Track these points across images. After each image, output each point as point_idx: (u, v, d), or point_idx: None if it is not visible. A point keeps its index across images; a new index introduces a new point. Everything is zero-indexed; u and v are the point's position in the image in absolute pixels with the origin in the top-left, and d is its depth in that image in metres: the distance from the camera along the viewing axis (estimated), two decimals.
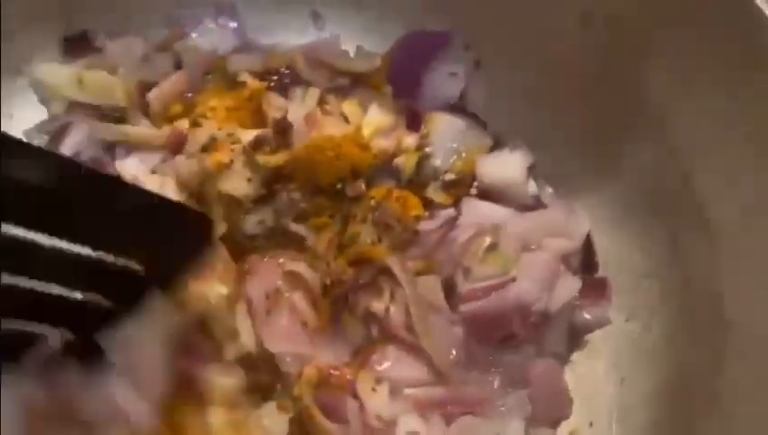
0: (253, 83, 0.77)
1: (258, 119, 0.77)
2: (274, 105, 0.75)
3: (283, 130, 0.74)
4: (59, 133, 0.76)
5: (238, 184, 0.69)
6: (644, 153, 0.75)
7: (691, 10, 0.65)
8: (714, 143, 0.68)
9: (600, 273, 0.77)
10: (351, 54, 0.85)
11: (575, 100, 0.79)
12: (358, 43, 0.86)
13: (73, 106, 0.78)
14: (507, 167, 0.79)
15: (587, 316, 0.75)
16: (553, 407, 0.70)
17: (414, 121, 0.81)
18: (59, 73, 0.77)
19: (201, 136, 0.73)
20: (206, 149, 0.72)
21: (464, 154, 0.79)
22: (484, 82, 0.84)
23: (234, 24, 0.87)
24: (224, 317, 0.63)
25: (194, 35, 0.84)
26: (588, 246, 0.78)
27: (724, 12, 0.62)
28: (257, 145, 0.72)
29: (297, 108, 0.76)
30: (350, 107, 0.79)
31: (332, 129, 0.75)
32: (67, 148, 0.76)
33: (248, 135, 0.72)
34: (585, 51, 0.76)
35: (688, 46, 0.67)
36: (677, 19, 0.67)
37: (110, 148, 0.78)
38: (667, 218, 0.73)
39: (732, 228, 0.67)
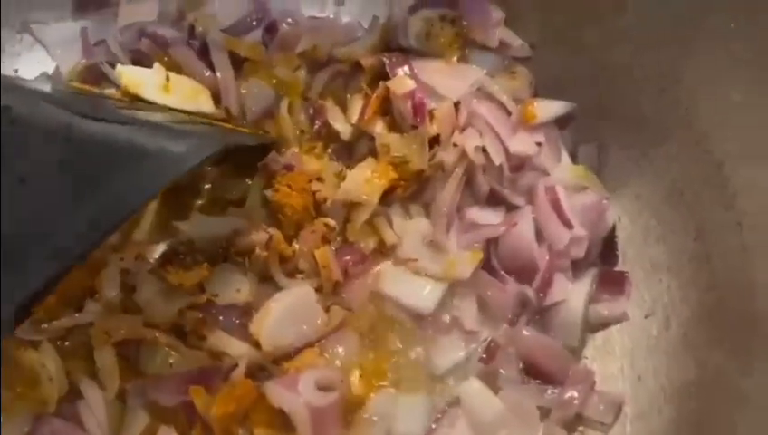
0: None
1: None
2: None
3: None
4: None
5: None
6: (673, 142, 0.71)
7: None
8: (748, 130, 0.63)
9: (619, 266, 0.72)
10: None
11: (608, 87, 0.77)
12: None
13: None
14: None
15: (603, 311, 0.70)
16: None
17: None
18: None
19: None
20: None
21: None
22: None
23: None
24: None
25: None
26: (610, 238, 0.74)
27: None
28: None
29: None
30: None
31: None
32: None
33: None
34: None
35: (725, 34, 0.63)
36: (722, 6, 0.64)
37: None
38: (693, 209, 0.68)
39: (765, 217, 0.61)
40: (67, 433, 0.61)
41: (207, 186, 0.79)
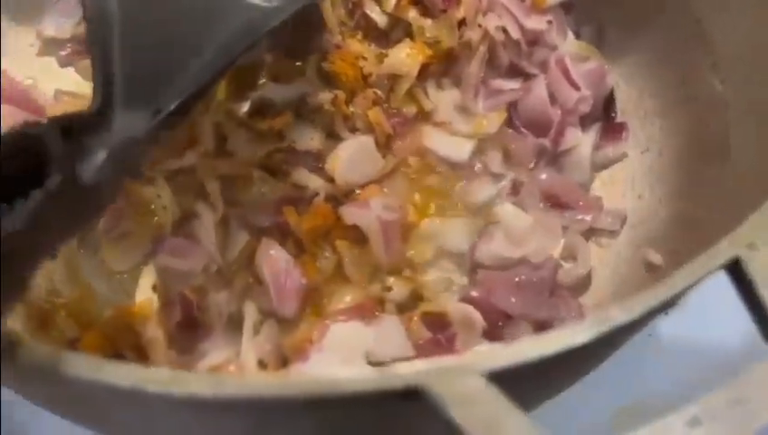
0: None
1: None
2: None
3: None
4: None
5: None
6: (662, 14, 0.85)
7: None
8: None
9: (619, 119, 0.88)
10: None
11: None
12: None
13: None
14: None
15: (608, 153, 0.86)
16: None
17: None
18: None
19: None
20: None
21: None
22: None
23: None
24: None
25: None
26: (610, 98, 0.89)
27: None
28: None
29: None
30: None
31: None
32: None
33: None
34: None
35: None
36: None
37: None
38: (679, 64, 0.83)
39: (738, 65, 0.75)
40: (184, 246, 0.74)
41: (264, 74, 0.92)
